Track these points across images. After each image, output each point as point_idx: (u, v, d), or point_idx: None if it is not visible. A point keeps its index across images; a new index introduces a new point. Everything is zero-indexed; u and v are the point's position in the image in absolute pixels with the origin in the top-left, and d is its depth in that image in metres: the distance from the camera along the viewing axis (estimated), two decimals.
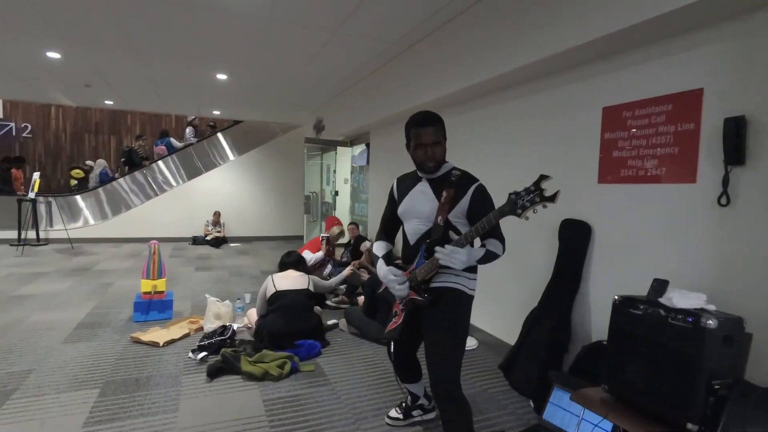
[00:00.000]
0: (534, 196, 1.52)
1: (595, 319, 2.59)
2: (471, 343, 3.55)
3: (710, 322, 1.47)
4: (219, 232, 9.27)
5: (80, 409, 2.38)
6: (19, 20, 3.95)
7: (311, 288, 3.48)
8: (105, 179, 9.40)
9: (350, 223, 6.09)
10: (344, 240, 5.84)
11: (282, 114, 8.66)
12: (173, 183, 9.56)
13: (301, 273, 3.58)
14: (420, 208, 1.85)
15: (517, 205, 1.54)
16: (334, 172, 8.29)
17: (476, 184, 1.81)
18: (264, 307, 3.41)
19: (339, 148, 7.85)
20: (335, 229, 4.83)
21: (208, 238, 9.08)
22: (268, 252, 8.31)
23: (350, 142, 7.48)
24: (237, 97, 7.05)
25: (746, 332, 1.62)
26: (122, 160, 9.95)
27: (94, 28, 4.10)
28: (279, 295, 3.34)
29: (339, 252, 5.61)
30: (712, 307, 1.63)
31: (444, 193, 1.78)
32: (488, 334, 3.55)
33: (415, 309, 1.86)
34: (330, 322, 3.94)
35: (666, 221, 2.20)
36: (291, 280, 3.46)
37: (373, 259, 2.13)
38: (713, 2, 1.82)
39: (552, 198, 1.50)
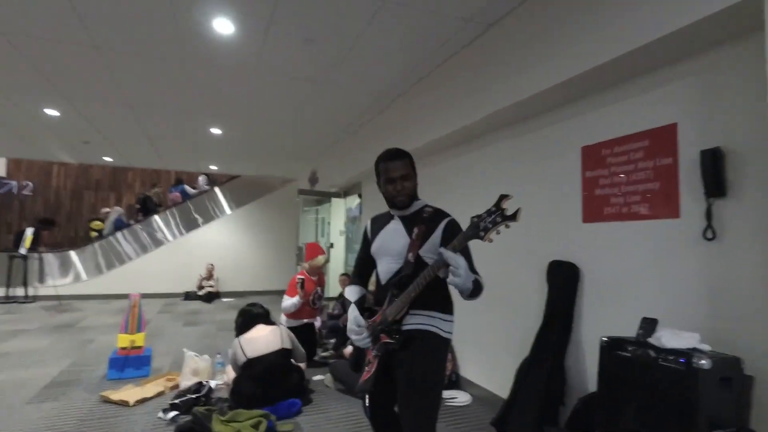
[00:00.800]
0: (495, 216, 1.44)
1: (590, 364, 2.42)
2: (464, 398, 3.32)
3: (703, 362, 1.35)
4: (212, 286, 9.08)
5: None
6: (18, 78, 4.10)
7: (286, 345, 3.25)
8: (120, 225, 9.44)
9: (342, 275, 5.97)
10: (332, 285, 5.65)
11: (276, 167, 8.79)
12: (170, 237, 9.52)
13: (272, 327, 3.30)
14: (392, 245, 1.77)
15: (479, 227, 1.47)
16: (329, 223, 8.28)
17: (448, 219, 1.75)
18: (238, 369, 3.13)
19: (333, 200, 7.89)
20: (321, 259, 4.39)
21: (200, 293, 8.88)
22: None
23: (344, 193, 7.52)
24: (232, 151, 7.20)
25: (746, 374, 1.48)
26: (137, 207, 10.09)
27: (90, 85, 4.25)
28: (252, 362, 3.04)
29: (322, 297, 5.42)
30: (705, 347, 1.50)
31: (415, 230, 1.72)
32: (482, 388, 3.32)
33: (389, 354, 1.72)
34: (315, 378, 3.71)
35: (653, 258, 2.11)
36: (263, 342, 3.14)
37: (346, 304, 2.01)
38: (679, 36, 1.85)
39: (513, 216, 1.43)
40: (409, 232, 1.73)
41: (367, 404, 1.93)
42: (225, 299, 9.03)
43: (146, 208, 9.93)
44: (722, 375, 1.37)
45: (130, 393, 3.26)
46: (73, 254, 8.91)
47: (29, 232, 8.01)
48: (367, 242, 1.93)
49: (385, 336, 1.68)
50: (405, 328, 1.67)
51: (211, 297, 8.76)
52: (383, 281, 1.78)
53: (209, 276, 9.20)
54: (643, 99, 2.21)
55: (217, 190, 10.06)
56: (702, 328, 1.82)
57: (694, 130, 1.97)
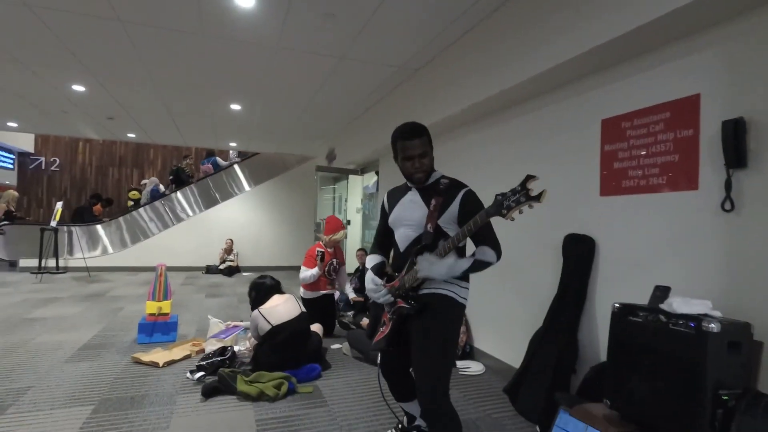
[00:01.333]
0: (520, 196, 1.48)
1: (602, 337, 2.46)
2: (477, 367, 3.41)
3: (713, 326, 1.38)
4: (232, 261, 9.33)
5: (71, 425, 2.34)
6: (45, 54, 4.21)
7: (303, 307, 3.39)
8: (156, 195, 9.85)
9: (359, 249, 6.07)
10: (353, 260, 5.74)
11: (295, 145, 8.87)
12: (190, 213, 9.77)
13: (287, 295, 3.40)
14: (410, 215, 1.83)
15: (502, 205, 1.51)
16: (346, 201, 8.37)
17: (465, 190, 1.79)
18: (260, 339, 3.22)
19: (351, 178, 7.96)
20: (341, 234, 4.44)
21: (221, 267, 9.14)
22: (281, 281, 8.27)
23: (361, 171, 7.57)
24: (251, 128, 7.28)
25: (756, 340, 1.51)
26: (170, 178, 10.51)
27: (114, 60, 4.34)
28: (277, 330, 3.12)
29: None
30: (716, 313, 1.53)
31: (433, 201, 1.77)
32: (495, 358, 3.41)
33: (404, 318, 1.80)
34: (333, 347, 3.85)
35: (670, 230, 2.12)
36: (285, 309, 3.23)
37: (364, 272, 2.09)
38: (703, 5, 1.81)
39: (538, 197, 1.46)
40: (427, 203, 1.79)
41: (379, 363, 2.03)
42: (245, 273, 9.28)
43: (179, 179, 10.27)
44: (731, 339, 1.41)
45: (159, 355, 3.45)
46: (99, 228, 9.24)
47: (59, 206, 8.31)
48: (385, 214, 1.99)
49: (402, 301, 1.76)
50: (422, 292, 1.74)
51: (231, 271, 9.02)
52: (401, 249, 1.85)
53: (229, 251, 9.45)
54: (665, 70, 2.18)
55: (236, 167, 10.22)
56: (716, 296, 1.84)
57: (717, 100, 1.94)
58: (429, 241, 1.71)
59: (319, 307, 4.25)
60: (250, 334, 3.77)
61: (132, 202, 10.28)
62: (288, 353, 3.13)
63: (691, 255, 2.02)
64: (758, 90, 1.79)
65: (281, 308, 3.27)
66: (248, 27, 3.53)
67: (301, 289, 4.40)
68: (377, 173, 6.52)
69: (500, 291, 3.36)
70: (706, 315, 1.50)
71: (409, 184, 1.93)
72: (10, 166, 10.56)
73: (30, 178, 11.08)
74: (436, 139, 4.40)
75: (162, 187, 10.35)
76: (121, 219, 9.39)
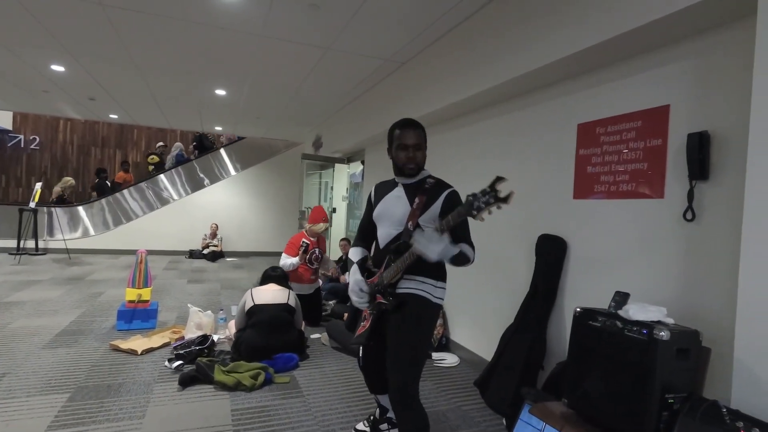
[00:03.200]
0: (489, 197, 1.52)
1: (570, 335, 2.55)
2: (452, 360, 3.50)
3: (663, 333, 1.46)
4: (216, 246, 9.29)
5: (47, 413, 2.37)
6: (24, 33, 4.10)
7: (291, 303, 3.46)
8: (181, 160, 9.86)
9: (342, 239, 6.11)
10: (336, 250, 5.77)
11: (282, 131, 8.80)
12: (175, 196, 9.67)
13: (283, 287, 3.56)
14: (393, 211, 1.87)
15: (473, 206, 1.55)
16: (332, 189, 8.36)
17: (449, 190, 1.83)
18: (243, 320, 3.37)
19: (337, 166, 7.94)
20: (321, 226, 4.47)
21: (205, 251, 9.11)
22: (264, 266, 8.22)
23: (347, 160, 7.56)
24: (237, 113, 7.20)
25: (704, 347, 1.60)
26: (194, 144, 10.53)
27: (95, 42, 4.25)
28: (257, 309, 3.30)
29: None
30: (670, 321, 1.61)
31: (417, 199, 1.81)
32: (469, 351, 3.50)
33: (382, 313, 1.86)
34: (313, 336, 3.92)
35: (636, 236, 2.20)
36: (271, 293, 3.44)
37: (348, 265, 2.13)
38: (677, 19, 1.86)
39: (505, 199, 1.50)
40: (411, 200, 1.83)
41: (359, 356, 2.10)
42: (229, 259, 9.27)
43: (202, 145, 10.28)
44: (680, 346, 1.49)
45: (138, 343, 3.47)
46: (81, 210, 9.10)
47: (38, 186, 8.16)
48: (370, 207, 2.03)
49: (380, 297, 1.81)
50: (398, 291, 1.79)
51: (215, 256, 8.99)
52: (382, 245, 1.89)
53: (213, 235, 9.40)
54: (639, 79, 2.23)
55: (222, 151, 10.11)
56: (672, 303, 1.94)
57: (685, 112, 2.00)
58: (408, 239, 1.76)
59: (309, 300, 4.26)
60: (229, 323, 3.84)
61: (152, 167, 10.28)
62: (266, 336, 3.20)
63: (653, 261, 2.10)
64: (723, 105, 1.85)
65: (269, 293, 3.42)
66: (232, 15, 3.48)
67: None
68: (363, 163, 6.53)
69: (477, 285, 3.44)
70: (659, 322, 1.57)
71: (396, 179, 1.96)
72: None
73: (8, 156, 10.82)
74: None
75: (185, 153, 10.32)
76: (103, 201, 9.25)
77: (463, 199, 1.62)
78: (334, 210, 8.11)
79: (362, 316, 2.00)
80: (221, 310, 4.07)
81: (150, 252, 8.63)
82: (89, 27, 3.88)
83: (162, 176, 9.66)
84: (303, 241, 4.34)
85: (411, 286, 1.80)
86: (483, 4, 3.08)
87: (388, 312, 1.83)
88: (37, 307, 4.52)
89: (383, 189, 2.00)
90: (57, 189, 9.47)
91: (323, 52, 4.17)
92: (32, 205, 7.95)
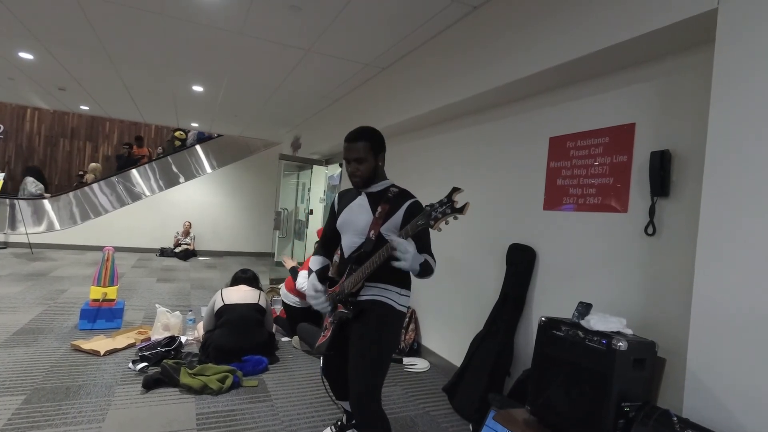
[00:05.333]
0: (446, 207, 1.54)
1: None
2: (423, 365, 3.53)
3: (621, 344, 1.51)
4: (188, 244, 9.10)
5: None
6: None
7: (262, 303, 3.42)
8: (203, 138, 9.93)
9: (317, 242, 6.07)
10: None
11: (259, 130, 8.70)
12: (147, 192, 9.42)
13: (253, 288, 3.52)
14: (355, 221, 1.87)
15: (431, 216, 1.57)
16: (309, 190, 8.31)
17: (411, 200, 1.84)
18: (211, 321, 3.32)
19: (315, 167, 7.89)
20: None
21: (177, 250, 8.90)
22: (237, 267, 8.09)
23: (326, 161, 7.53)
24: (214, 110, 7.08)
25: (659, 357, 1.66)
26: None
27: (67, 31, 4.11)
28: (226, 309, 3.26)
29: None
30: (629, 331, 1.67)
31: (379, 208, 1.81)
32: (439, 356, 3.54)
33: (344, 322, 1.86)
34: (283, 339, 3.88)
35: (601, 248, 2.27)
36: (241, 293, 3.40)
37: (308, 273, 2.12)
38: (640, 42, 1.94)
39: (461, 210, 1.53)
40: (374, 209, 1.83)
41: (321, 365, 2.09)
42: (201, 258, 9.09)
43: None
44: (636, 356, 1.54)
45: (100, 343, 3.36)
46: (46, 203, 8.76)
47: (1, 177, 7.81)
48: (333, 215, 2.03)
49: (341, 306, 1.81)
50: (360, 299, 1.79)
51: (187, 255, 8.80)
52: (345, 254, 1.89)
53: (186, 234, 9.21)
54: (608, 97, 2.31)
55: (198, 148, 9.91)
56: (632, 313, 2.02)
57: (649, 131, 2.09)
58: (369, 248, 1.77)
59: (311, 316, 3.97)
60: (197, 324, 3.77)
61: (180, 142, 10.14)
62: (235, 337, 3.15)
63: (615, 273, 2.17)
64: (684, 126, 1.94)
65: (240, 293, 3.40)
66: (211, 11, 3.43)
67: (290, 295, 4.04)
68: (341, 165, 6.51)
69: (449, 291, 3.48)
70: (618, 333, 1.63)
71: (356, 188, 1.96)
72: None
73: None
74: (396, 138, 4.49)
75: (205, 132, 10.18)
76: (71, 194, 8.93)
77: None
78: (310, 212, 8.06)
79: (323, 325, 2.00)
80: (190, 311, 3.98)
81: (119, 249, 8.40)
82: (61, 15, 3.75)
83: (134, 171, 9.40)
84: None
85: (374, 293, 1.80)
86: (462, 15, 3.13)
87: (350, 320, 1.83)
88: None
89: (347, 197, 1.99)
90: (90, 176, 9.57)
91: (303, 53, 4.15)
92: None
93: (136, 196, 9.29)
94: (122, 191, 9.23)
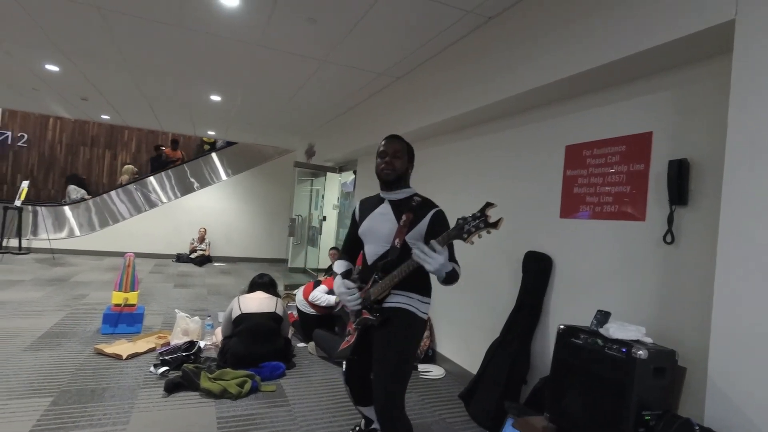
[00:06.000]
0: (479, 222, 1.58)
1: (553, 350, 2.61)
2: (438, 372, 3.54)
3: (641, 352, 1.52)
4: (204, 250, 9.23)
5: (28, 417, 2.34)
6: (20, 32, 4.09)
7: (279, 311, 3.46)
8: (231, 143, 10.17)
9: (332, 248, 6.13)
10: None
11: (274, 138, 8.83)
12: (164, 199, 9.60)
13: (270, 295, 3.55)
14: (379, 229, 1.91)
15: (463, 229, 1.61)
16: (323, 197, 8.39)
17: (435, 210, 1.87)
18: (229, 328, 3.35)
19: (329, 174, 7.98)
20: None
21: (192, 256, 9.04)
22: (251, 273, 8.17)
23: (339, 169, 7.61)
24: (230, 118, 7.21)
25: (680, 366, 1.67)
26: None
27: (91, 44, 4.25)
28: (244, 318, 3.28)
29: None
30: (648, 340, 1.67)
31: (403, 217, 1.85)
32: (454, 363, 3.54)
33: (368, 328, 1.89)
34: (299, 345, 3.92)
35: (619, 256, 2.27)
36: (258, 302, 3.42)
37: (333, 277, 2.17)
38: (658, 52, 1.95)
39: (495, 225, 1.57)
40: (398, 217, 1.87)
41: (344, 370, 2.13)
42: (216, 264, 9.21)
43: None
44: (657, 365, 1.55)
45: (122, 347, 3.44)
46: (67, 209, 8.98)
47: (24, 185, 8.04)
48: (355, 223, 2.07)
49: (366, 312, 1.85)
50: (385, 305, 1.83)
51: (202, 261, 8.92)
52: (369, 262, 1.93)
53: (201, 240, 9.34)
54: (625, 106, 2.33)
55: (214, 155, 10.08)
56: (650, 322, 2.02)
57: (666, 140, 2.10)
58: (395, 257, 1.80)
59: (324, 323, 4.03)
60: (216, 330, 3.83)
61: (208, 146, 10.52)
62: (252, 345, 3.20)
63: (633, 281, 2.17)
64: (702, 134, 1.95)
65: (256, 301, 3.41)
66: (231, 25, 3.53)
67: (306, 305, 4.06)
68: (355, 172, 6.58)
69: (464, 299, 3.49)
70: (638, 341, 1.64)
71: (382, 195, 2.00)
72: None
73: None
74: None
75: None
76: (90, 202, 9.15)
77: (452, 220, 1.67)
78: (324, 218, 8.14)
79: (347, 330, 2.04)
80: (209, 316, 4.05)
81: (136, 254, 8.56)
82: (86, 29, 3.89)
83: (151, 178, 9.59)
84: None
85: (398, 300, 1.84)
86: (477, 26, 3.17)
87: (374, 327, 1.86)
88: (18, 308, 4.45)
89: (368, 205, 2.03)
90: (125, 177, 9.91)
91: (319, 63, 4.23)
92: (18, 203, 7.83)
93: (152, 203, 9.48)
94: (139, 198, 9.42)
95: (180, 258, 9.06)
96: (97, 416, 2.42)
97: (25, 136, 10.85)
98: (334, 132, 6.77)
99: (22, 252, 8.04)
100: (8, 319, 4.04)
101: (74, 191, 9.46)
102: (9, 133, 10.72)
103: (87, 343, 3.58)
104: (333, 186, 8.18)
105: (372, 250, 1.93)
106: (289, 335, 3.73)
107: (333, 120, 6.77)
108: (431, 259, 1.61)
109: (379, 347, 1.84)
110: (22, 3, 3.46)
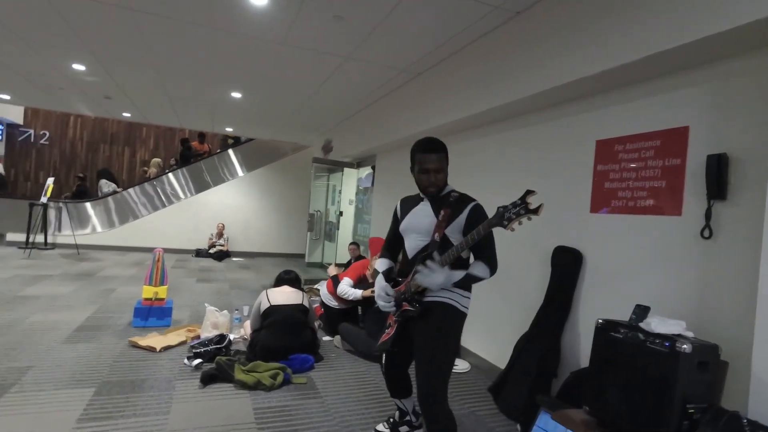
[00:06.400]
0: (519, 209, 1.62)
1: (584, 344, 2.63)
2: (463, 366, 3.57)
3: (685, 346, 1.53)
4: (222, 245, 9.36)
5: (75, 406, 2.44)
6: (50, 33, 4.18)
7: (305, 303, 3.53)
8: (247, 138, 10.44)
9: (351, 243, 6.18)
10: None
11: (291, 134, 8.89)
12: (181, 195, 9.75)
13: (298, 290, 3.63)
14: (419, 224, 1.96)
15: (504, 217, 1.65)
16: (340, 192, 8.45)
17: (473, 203, 1.92)
18: (258, 321, 3.43)
19: (345, 170, 8.03)
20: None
21: (212, 251, 9.17)
22: (270, 268, 8.38)
23: (357, 164, 7.65)
24: (249, 115, 7.29)
25: (722, 360, 1.67)
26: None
27: (119, 44, 4.33)
28: (272, 310, 3.36)
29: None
30: (690, 334, 1.68)
31: (442, 212, 1.89)
32: (480, 357, 3.57)
33: (408, 320, 1.94)
34: (325, 339, 3.99)
35: (653, 251, 2.27)
36: (285, 295, 3.50)
37: (374, 275, 2.23)
38: (696, 46, 1.94)
39: (536, 210, 1.61)
40: (437, 213, 1.92)
41: (383, 361, 2.17)
42: (235, 258, 9.34)
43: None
44: (700, 359, 1.56)
45: (156, 340, 3.53)
46: (88, 206, 9.18)
47: (50, 181, 8.23)
48: (396, 221, 2.12)
49: (407, 304, 1.89)
50: (427, 299, 1.87)
51: (221, 256, 9.06)
52: (410, 255, 1.98)
53: (219, 235, 9.48)
54: (659, 100, 2.32)
55: (230, 152, 10.20)
56: (690, 317, 2.01)
57: (703, 134, 2.09)
58: (435, 250, 1.84)
59: (348, 316, 4.10)
60: (244, 323, 3.91)
61: (232, 140, 10.76)
62: (282, 337, 3.27)
63: (670, 276, 2.18)
64: (741, 128, 1.93)
65: (283, 295, 3.50)
66: (257, 23, 3.57)
67: (330, 298, 4.16)
68: (373, 168, 6.61)
69: (491, 294, 3.51)
70: (680, 335, 1.65)
71: (421, 195, 2.05)
72: None
73: (18, 150, 10.90)
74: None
75: None
76: (110, 198, 9.33)
77: (492, 211, 1.71)
78: (341, 213, 8.20)
79: (386, 323, 2.08)
80: (237, 310, 4.13)
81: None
82: (116, 30, 3.96)
83: (170, 175, 9.75)
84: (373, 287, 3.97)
85: (440, 294, 1.87)
86: (503, 22, 3.17)
87: (414, 319, 1.91)
88: (51, 302, 4.59)
89: (409, 203, 2.10)
90: (153, 170, 10.30)
91: (342, 60, 4.26)
92: (44, 200, 8.02)
93: (171, 200, 9.63)
94: (158, 195, 9.58)
95: (199, 253, 9.20)
96: (140, 406, 2.50)
97: (47, 134, 11.08)
98: (353, 128, 6.80)
99: (48, 247, 8.24)
100: (44, 313, 4.17)
101: (105, 185, 9.73)
102: (32, 132, 10.96)
103: (120, 335, 3.69)
104: (350, 181, 8.22)
105: (412, 245, 1.97)
106: (316, 326, 3.79)
107: (352, 116, 6.80)
108: (427, 279, 1.78)
109: (421, 341, 1.88)
110: (55, 5, 3.54)
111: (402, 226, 2.04)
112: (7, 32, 4.22)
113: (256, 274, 7.63)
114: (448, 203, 1.92)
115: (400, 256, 2.11)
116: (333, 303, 4.10)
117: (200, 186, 9.88)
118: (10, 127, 10.71)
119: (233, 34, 3.83)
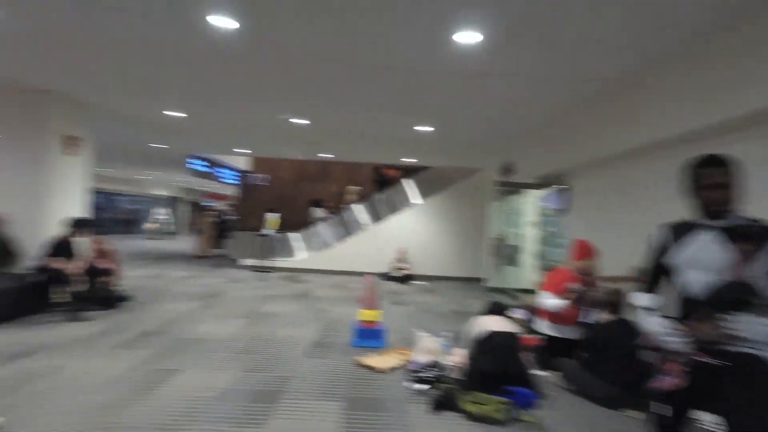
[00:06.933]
0: None
1: None
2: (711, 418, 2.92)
3: None
4: (407, 268, 9.87)
5: (331, 418, 2.77)
6: (278, 94, 5.10)
7: (517, 332, 3.43)
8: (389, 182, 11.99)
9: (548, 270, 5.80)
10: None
11: (467, 158, 9.01)
12: (368, 222, 10.82)
13: (505, 318, 3.62)
14: (707, 258, 1.69)
15: None
16: (520, 215, 8.12)
17: None
18: (474, 347, 3.42)
19: (525, 192, 7.69)
20: (589, 262, 3.91)
21: (395, 274, 9.75)
22: (452, 292, 8.48)
23: (540, 185, 7.26)
24: (427, 144, 7.63)
25: None
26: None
27: (334, 97, 5.03)
28: (492, 336, 3.34)
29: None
30: None
31: (742, 247, 1.60)
32: None
33: (706, 375, 1.64)
34: (541, 374, 3.76)
35: None
36: (500, 322, 3.50)
37: (636, 311, 1.99)
38: None
39: None
40: (730, 246, 1.62)
41: (655, 416, 1.90)
42: (416, 282, 9.73)
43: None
44: None
45: (376, 360, 3.83)
46: (297, 235, 10.86)
47: (268, 216, 10.01)
48: (661, 251, 1.87)
49: (704, 354, 1.61)
50: (734, 350, 1.57)
51: (405, 279, 9.55)
52: (695, 293, 1.71)
53: (402, 259, 10.02)
54: None
55: (405, 182, 10.99)
56: None
57: None
58: (737, 293, 1.55)
59: (560, 349, 3.83)
60: (454, 350, 3.96)
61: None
62: (500, 363, 3.22)
63: None
64: None
65: (498, 322, 3.53)
66: (468, 59, 3.67)
67: (550, 324, 3.98)
68: (561, 188, 6.16)
69: None
70: None
71: (701, 221, 1.78)
72: (237, 182, 13.26)
73: (248, 191, 13.64)
74: (621, 163, 3.98)
75: None
76: (310, 230, 10.95)
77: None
78: (522, 236, 7.86)
79: (660, 369, 1.82)
80: (444, 335, 4.23)
81: (348, 273, 9.78)
82: (335, 87, 4.62)
83: (352, 206, 11.01)
84: (574, 287, 3.83)
85: (751, 344, 1.55)
86: (726, 25, 2.61)
87: (718, 376, 1.60)
88: (285, 319, 5.42)
89: (684, 231, 1.82)
90: (352, 197, 12.17)
91: (538, 80, 4.12)
92: (266, 231, 9.79)
93: (356, 229, 10.76)
94: (345, 225, 10.88)
95: (387, 276, 9.88)
96: (387, 424, 2.71)
97: (269, 176, 13.65)
98: (532, 148, 6.50)
99: (269, 271, 9.94)
100: (284, 329, 4.95)
101: (317, 212, 11.80)
102: (259, 176, 13.68)
103: (344, 353, 4.11)
104: (531, 203, 7.85)
105: (698, 281, 1.70)
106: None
107: (530, 136, 6.53)
108: (755, 328, 1.49)
109: (739, 407, 1.56)
110: (286, 70, 4.25)
111: (681, 259, 1.78)
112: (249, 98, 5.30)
113: (441, 298, 7.79)
114: (746, 235, 1.60)
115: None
116: (555, 330, 3.89)
117: (381, 214, 10.78)
118: (243, 173, 13.53)
119: (434, 72, 4.06)
